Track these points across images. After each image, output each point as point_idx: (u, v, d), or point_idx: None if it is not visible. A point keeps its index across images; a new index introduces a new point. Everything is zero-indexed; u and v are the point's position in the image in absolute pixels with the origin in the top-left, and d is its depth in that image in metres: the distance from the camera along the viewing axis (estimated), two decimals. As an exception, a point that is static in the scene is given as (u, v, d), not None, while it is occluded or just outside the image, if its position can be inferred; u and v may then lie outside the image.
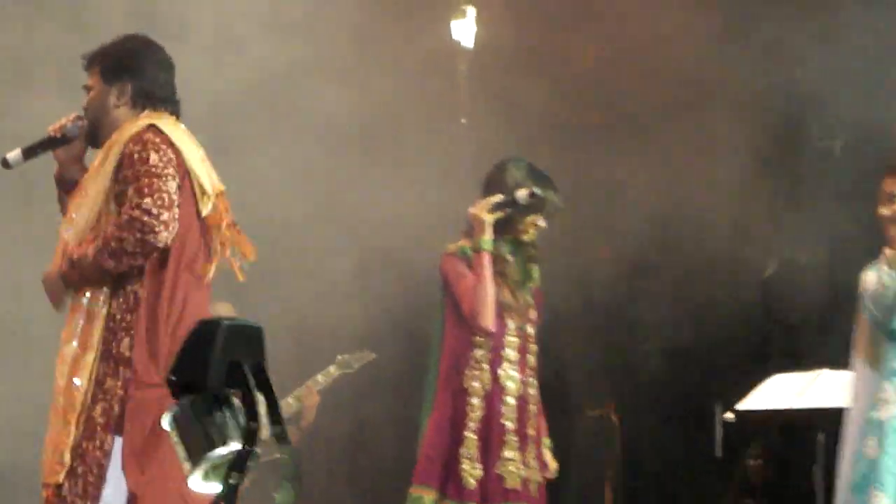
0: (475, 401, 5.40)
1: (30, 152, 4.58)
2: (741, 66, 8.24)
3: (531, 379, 5.52)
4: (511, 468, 5.39)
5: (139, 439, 4.27)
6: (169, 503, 4.26)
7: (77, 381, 4.31)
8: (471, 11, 9.05)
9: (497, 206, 5.41)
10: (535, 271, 5.59)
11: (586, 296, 8.50)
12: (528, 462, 5.45)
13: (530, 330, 5.55)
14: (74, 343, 4.36)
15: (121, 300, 4.36)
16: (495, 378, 5.42)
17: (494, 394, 5.41)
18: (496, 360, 5.44)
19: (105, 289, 4.37)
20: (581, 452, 8.38)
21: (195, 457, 2.73)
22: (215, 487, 2.74)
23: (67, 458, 4.29)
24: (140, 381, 4.30)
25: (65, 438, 4.30)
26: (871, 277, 5.52)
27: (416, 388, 5.73)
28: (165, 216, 4.27)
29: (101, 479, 4.28)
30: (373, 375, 7.85)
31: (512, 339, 5.48)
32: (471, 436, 5.37)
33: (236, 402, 2.74)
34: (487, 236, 5.40)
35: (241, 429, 2.72)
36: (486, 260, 5.39)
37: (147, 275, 4.36)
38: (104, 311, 4.36)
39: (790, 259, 8.66)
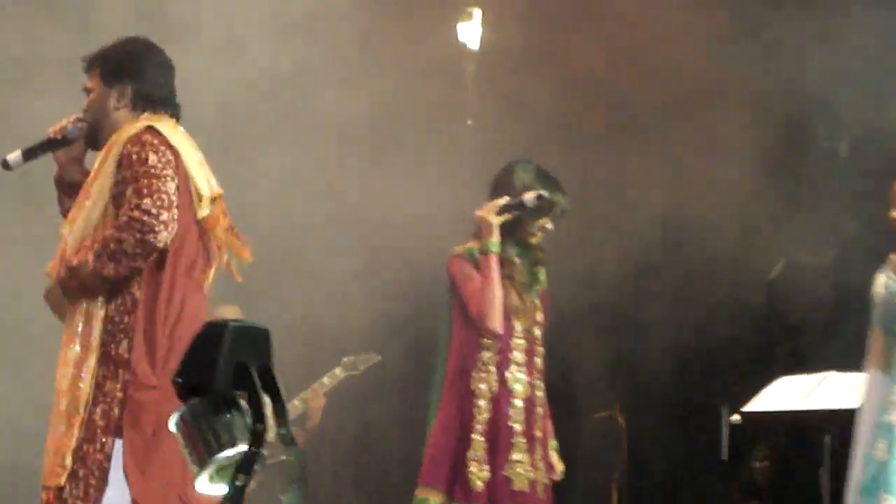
0: (482, 403, 5.39)
1: (30, 154, 4.57)
2: (746, 67, 8.24)
3: (538, 381, 5.51)
4: (519, 470, 5.38)
5: (139, 442, 4.27)
6: (169, 505, 4.26)
7: (81, 383, 4.31)
8: (476, 13, 9.06)
9: (505, 209, 5.41)
10: (542, 273, 5.58)
11: (592, 297, 8.50)
12: (535, 464, 5.44)
13: (537, 332, 5.55)
14: (76, 346, 4.35)
15: (119, 302, 4.34)
16: (502, 380, 5.42)
17: (501, 396, 5.41)
18: (503, 363, 5.43)
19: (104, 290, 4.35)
20: (587, 454, 8.37)
21: (202, 459, 2.73)
22: (222, 489, 2.73)
23: (69, 460, 4.28)
24: (139, 383, 4.29)
25: (66, 441, 4.29)
26: (880, 283, 5.52)
27: (422, 390, 5.73)
28: (165, 216, 4.26)
29: (102, 481, 4.27)
30: (378, 377, 7.85)
31: (519, 341, 5.48)
32: (478, 438, 5.37)
33: (243, 404, 2.73)
34: (495, 238, 5.40)
35: (247, 431, 2.71)
36: (494, 262, 5.38)
37: (144, 277, 4.34)
38: (102, 313, 4.34)
39: (795, 260, 8.66)
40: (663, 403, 8.99)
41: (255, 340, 2.76)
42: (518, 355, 5.47)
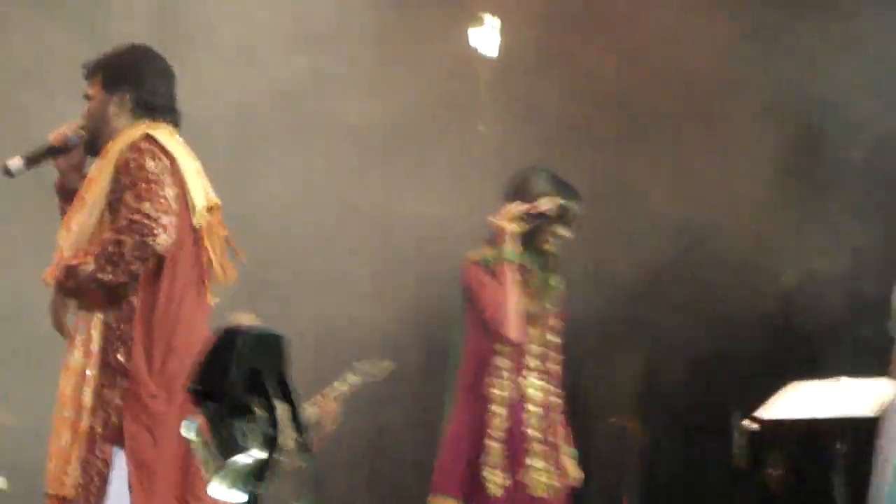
0: (497, 409, 5.39)
1: (32, 161, 4.56)
2: (761, 74, 8.23)
3: (553, 387, 5.51)
4: (537, 476, 5.38)
5: (138, 449, 4.26)
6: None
7: (83, 391, 4.31)
8: (489, 19, 9.06)
9: (525, 219, 5.40)
10: (557, 280, 5.58)
11: (606, 305, 8.49)
12: (551, 470, 5.44)
13: (552, 339, 5.55)
14: (78, 353, 4.34)
15: (117, 310, 4.33)
16: (517, 386, 5.42)
17: (517, 402, 5.40)
18: (518, 369, 5.43)
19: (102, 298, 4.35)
20: (601, 461, 8.36)
21: (216, 464, 2.73)
22: (236, 495, 2.74)
23: (72, 469, 4.28)
24: (137, 391, 4.29)
25: (69, 449, 4.29)
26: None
27: (436, 394, 5.72)
28: (164, 220, 4.24)
29: (103, 489, 4.25)
30: (392, 381, 7.85)
31: (534, 347, 5.48)
32: (494, 444, 5.36)
33: (257, 410, 2.74)
34: (511, 246, 5.40)
35: (262, 437, 2.72)
36: (510, 271, 5.38)
37: (142, 285, 4.33)
38: (101, 320, 4.33)
39: (810, 269, 8.64)
40: (677, 411, 8.97)
41: (269, 347, 2.76)
42: (533, 361, 5.46)
